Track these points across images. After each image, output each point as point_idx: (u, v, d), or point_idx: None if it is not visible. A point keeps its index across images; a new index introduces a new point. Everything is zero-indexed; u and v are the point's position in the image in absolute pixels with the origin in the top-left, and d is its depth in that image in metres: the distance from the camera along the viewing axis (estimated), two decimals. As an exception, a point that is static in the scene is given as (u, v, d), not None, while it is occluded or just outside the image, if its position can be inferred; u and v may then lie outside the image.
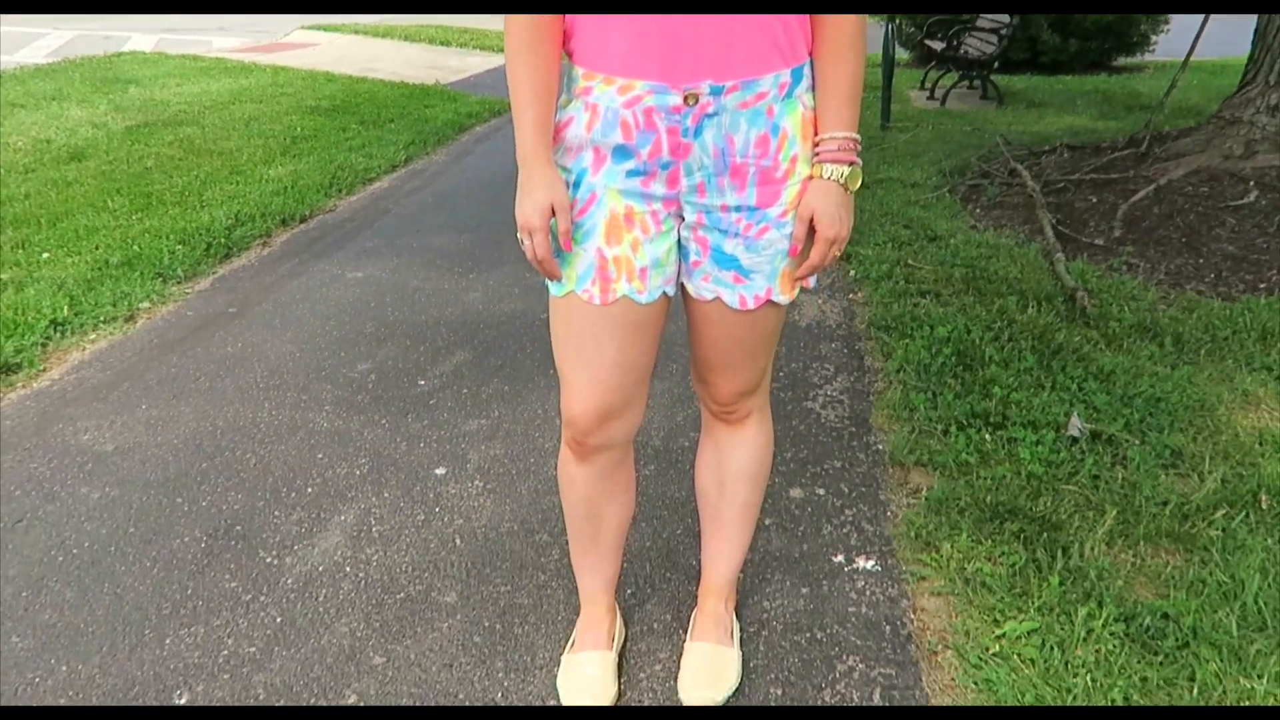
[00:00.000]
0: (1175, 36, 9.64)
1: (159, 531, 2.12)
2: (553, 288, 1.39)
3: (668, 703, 1.63)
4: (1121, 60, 10.75)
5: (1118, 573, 1.91)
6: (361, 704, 1.63)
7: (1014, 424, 2.45)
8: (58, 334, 3.16)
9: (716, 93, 1.26)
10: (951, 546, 1.99)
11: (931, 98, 8.19)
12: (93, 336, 3.20)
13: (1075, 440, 2.38)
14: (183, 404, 2.71)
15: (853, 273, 3.73)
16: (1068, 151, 5.33)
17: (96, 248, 3.93)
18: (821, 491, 2.26)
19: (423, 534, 2.11)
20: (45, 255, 3.84)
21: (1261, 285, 3.42)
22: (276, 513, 2.19)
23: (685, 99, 1.26)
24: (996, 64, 8.05)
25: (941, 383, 2.71)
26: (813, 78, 1.34)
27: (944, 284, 3.51)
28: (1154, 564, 1.95)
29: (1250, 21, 4.89)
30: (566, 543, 1.97)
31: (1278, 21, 4.46)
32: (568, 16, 1.31)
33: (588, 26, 1.28)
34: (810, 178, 1.34)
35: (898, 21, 10.06)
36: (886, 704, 1.62)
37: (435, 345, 3.11)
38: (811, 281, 1.43)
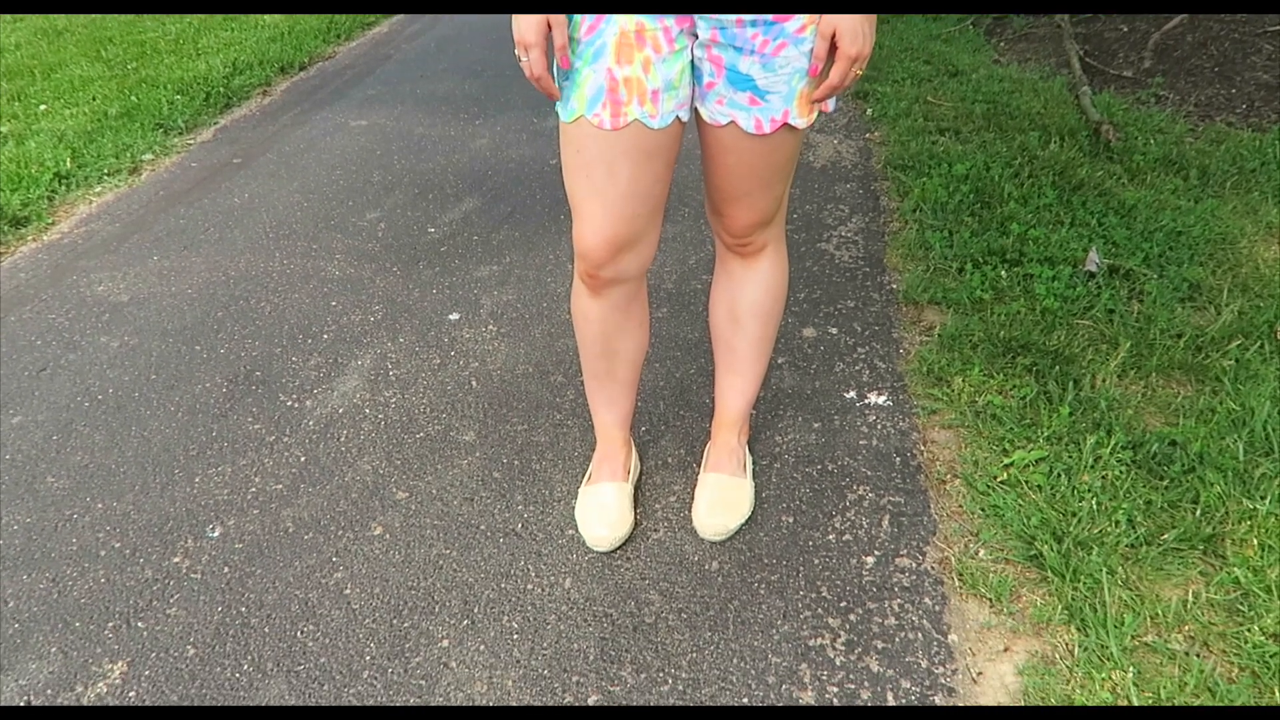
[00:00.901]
0: None
1: (180, 378, 2.16)
2: (562, 113, 1.35)
3: (683, 531, 1.68)
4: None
5: (1128, 403, 1.92)
6: (387, 535, 1.69)
7: (1031, 260, 2.42)
8: (63, 187, 3.13)
9: None
10: (963, 381, 2.00)
11: (957, -76, 7.70)
12: (98, 189, 3.16)
13: (1092, 275, 2.36)
14: (194, 255, 2.71)
15: (870, 111, 3.61)
16: (1100, -22, 5.05)
17: (94, 99, 3.85)
18: (834, 331, 2.26)
19: (439, 377, 2.13)
20: (42, 107, 3.76)
21: (1295, 116, 3.29)
22: (294, 358, 2.21)
23: None
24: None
25: (958, 221, 2.67)
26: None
27: (964, 120, 3.40)
28: (1165, 394, 1.96)
29: None
30: (581, 383, 2.00)
31: None
32: None
33: None
34: None
35: None
36: (895, 530, 1.67)
37: (444, 193, 3.07)
38: (830, 104, 1.38)
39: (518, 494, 1.78)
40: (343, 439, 1.95)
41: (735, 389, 1.72)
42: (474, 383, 2.11)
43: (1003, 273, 2.38)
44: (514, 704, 1.38)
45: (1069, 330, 2.16)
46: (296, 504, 1.78)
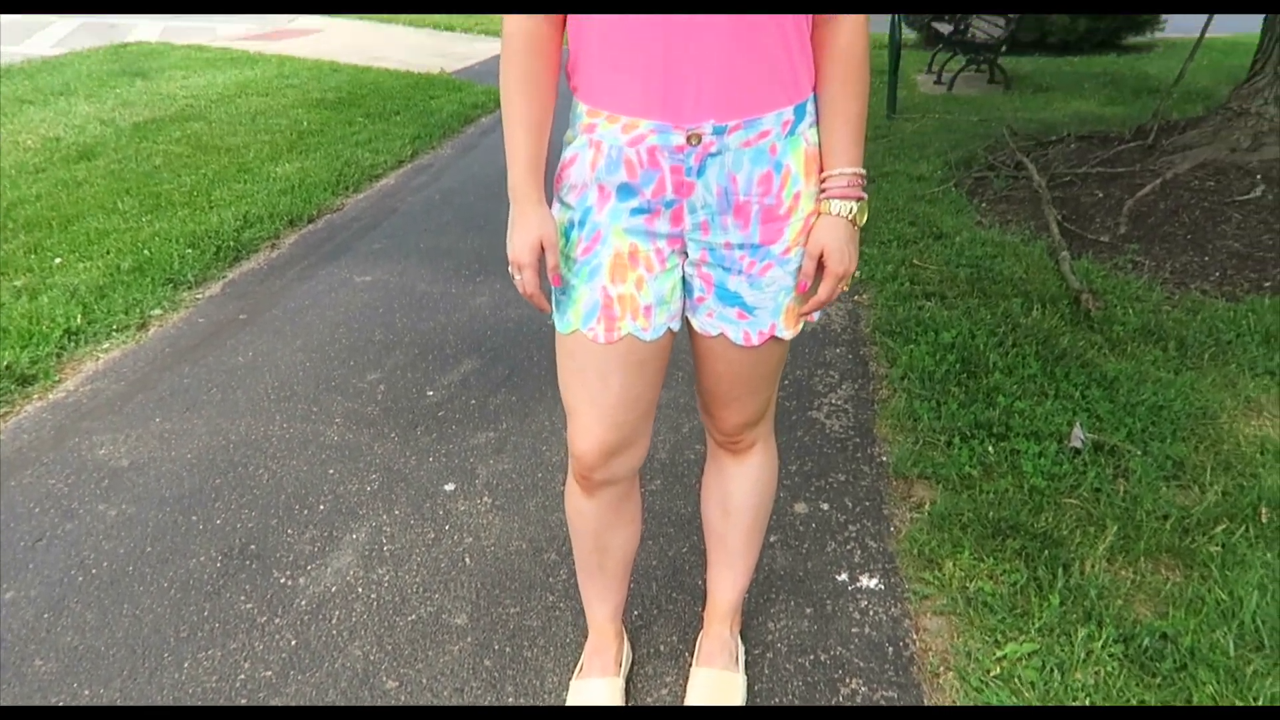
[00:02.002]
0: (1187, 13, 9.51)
1: (175, 551, 2.16)
2: (558, 325, 1.42)
3: (674, 726, 1.67)
4: (1131, 39, 10.65)
5: (1118, 590, 1.94)
6: (376, 729, 1.68)
7: (1017, 434, 2.47)
8: (71, 343, 3.19)
9: (719, 132, 1.27)
10: (954, 564, 2.02)
11: (939, 82, 8.13)
12: (106, 345, 3.23)
13: (1078, 451, 2.40)
14: (195, 417, 2.75)
15: (858, 274, 3.74)
16: (1075, 142, 5.31)
17: (108, 252, 3.97)
18: (826, 506, 2.29)
19: (433, 553, 2.15)
20: (57, 261, 3.88)
21: (1266, 284, 3.41)
22: (289, 531, 2.23)
23: (688, 139, 1.27)
24: (1004, 47, 7.99)
25: (945, 391, 2.73)
26: (816, 113, 1.35)
27: (949, 285, 3.52)
28: (1154, 581, 1.97)
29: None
30: (573, 563, 2.00)
31: (1287, 11, 4.43)
32: (571, 52, 1.33)
33: (591, 64, 1.29)
34: (817, 213, 1.35)
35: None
36: (888, 727, 1.66)
37: (443, 353, 3.14)
38: (816, 316, 1.45)
39: (508, 684, 1.77)
40: (334, 620, 1.94)
41: (727, 581, 1.74)
42: (467, 559, 2.12)
43: (990, 448, 2.43)
44: None
45: (1057, 510, 2.19)
46: (285, 693, 1.76)
